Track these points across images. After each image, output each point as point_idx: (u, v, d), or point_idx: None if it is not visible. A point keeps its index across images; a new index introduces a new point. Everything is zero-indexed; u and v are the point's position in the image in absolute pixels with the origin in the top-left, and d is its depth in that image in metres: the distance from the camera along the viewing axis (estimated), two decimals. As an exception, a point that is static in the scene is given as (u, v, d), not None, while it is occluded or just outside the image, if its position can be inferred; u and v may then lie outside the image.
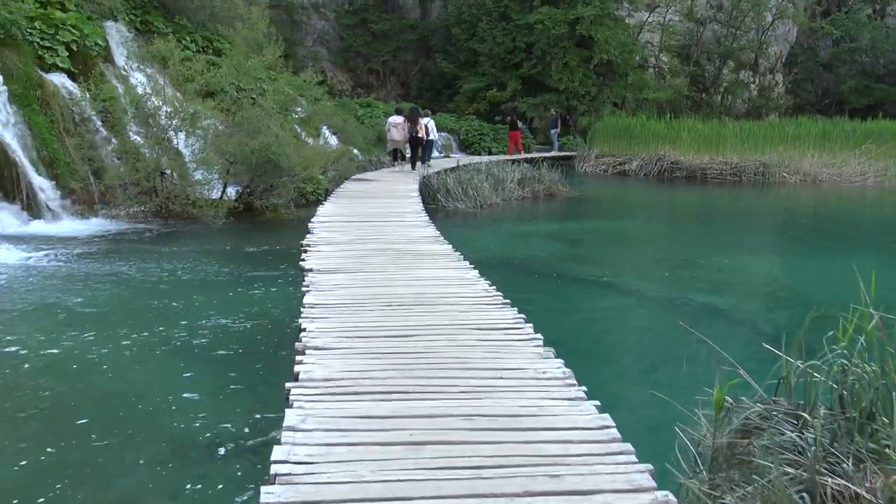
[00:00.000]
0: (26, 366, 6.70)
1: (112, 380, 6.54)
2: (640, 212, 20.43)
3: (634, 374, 7.24)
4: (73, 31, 15.56)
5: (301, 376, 4.56)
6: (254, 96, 16.38)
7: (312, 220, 10.89)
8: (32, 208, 13.13)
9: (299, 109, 21.12)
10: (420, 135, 18.78)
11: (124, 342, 7.39)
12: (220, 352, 7.23)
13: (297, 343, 5.19)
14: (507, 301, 6.41)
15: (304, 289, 6.82)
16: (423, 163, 19.52)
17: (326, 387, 4.40)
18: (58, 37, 15.22)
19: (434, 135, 20.93)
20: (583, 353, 7.20)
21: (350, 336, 5.39)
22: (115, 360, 6.94)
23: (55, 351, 7.07)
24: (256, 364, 6.90)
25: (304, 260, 8.08)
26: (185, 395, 6.14)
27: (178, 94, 15.65)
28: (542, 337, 5.41)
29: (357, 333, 5.46)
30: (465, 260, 8.26)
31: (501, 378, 4.60)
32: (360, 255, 8.41)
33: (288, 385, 4.42)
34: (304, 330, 5.49)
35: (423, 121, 19.33)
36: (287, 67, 20.73)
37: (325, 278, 7.20)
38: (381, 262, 8.04)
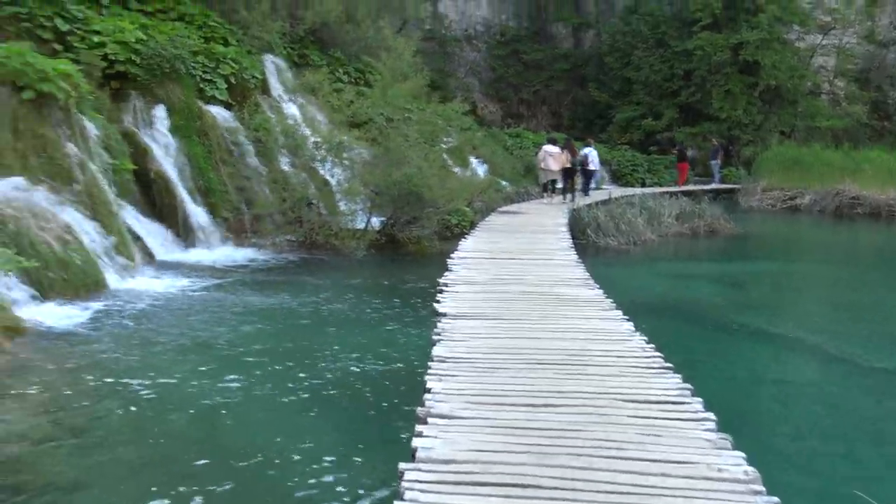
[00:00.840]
0: (153, 398, 6.50)
1: (237, 422, 6.19)
2: (815, 252, 18.39)
3: (828, 463, 5.92)
4: (233, 64, 16.11)
5: (419, 454, 3.85)
6: (399, 126, 16.22)
7: (452, 255, 10.30)
8: (188, 236, 13.49)
9: (448, 139, 20.88)
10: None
11: (254, 381, 7.06)
12: (348, 402, 6.72)
13: (419, 408, 4.50)
14: (669, 365, 5.42)
15: (434, 337, 6.16)
16: (584, 193, 19.31)
17: (447, 472, 3.66)
18: (218, 70, 15.79)
19: (596, 165, 20.27)
20: (761, 435, 6.03)
21: (481, 402, 4.63)
22: (243, 400, 6.60)
23: (185, 386, 6.83)
24: (383, 421, 6.29)
25: (438, 302, 7.45)
26: (305, 447, 5.64)
27: (328, 124, 15.75)
28: (714, 418, 4.40)
29: (489, 399, 4.69)
30: (617, 308, 7.31)
31: (663, 475, 3.67)
32: (500, 298, 7.67)
33: (402, 466, 3.72)
34: (430, 391, 4.80)
35: (584, 150, 19.29)
36: (435, 98, 20.58)
37: (459, 325, 6.51)
38: (523, 308, 7.25)
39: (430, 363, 5.42)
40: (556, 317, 6.92)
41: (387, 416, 6.39)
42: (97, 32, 14.01)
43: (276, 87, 17.77)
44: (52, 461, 5.34)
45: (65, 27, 13.79)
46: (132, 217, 12.53)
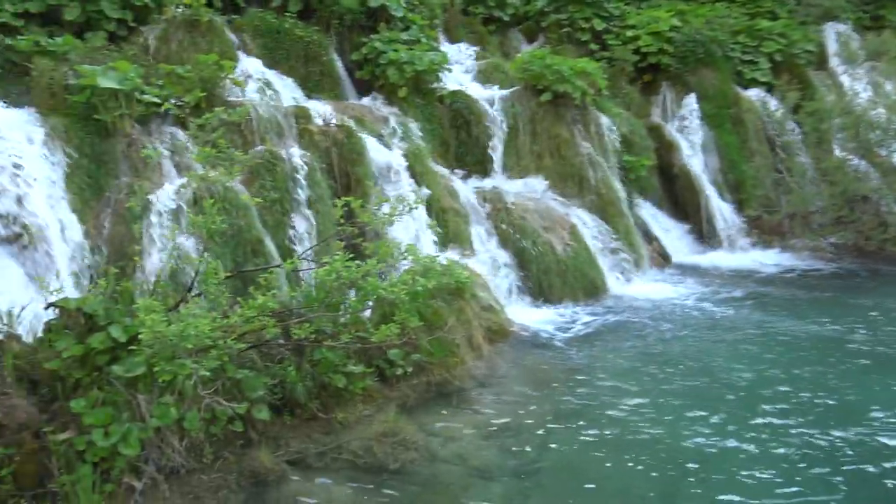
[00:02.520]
0: (624, 434, 5.66)
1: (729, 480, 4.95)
2: None
3: None
4: (780, 39, 14.06)
5: None
6: None
7: None
8: (709, 236, 12.25)
9: None
10: None
11: (765, 435, 5.60)
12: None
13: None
14: None
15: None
16: None
17: None
18: (760, 48, 13.98)
19: None
20: None
21: None
22: (743, 456, 5.30)
23: (668, 424, 5.81)
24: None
25: None
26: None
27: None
28: None
29: None
30: None
31: None
32: None
33: None
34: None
35: None
36: None
37: None
38: None
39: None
40: None
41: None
42: (632, 27, 13.75)
43: (835, 59, 14.98)
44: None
45: (601, 26, 13.91)
46: (649, 216, 11.88)
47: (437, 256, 8.21)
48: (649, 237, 11.38)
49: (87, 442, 4.44)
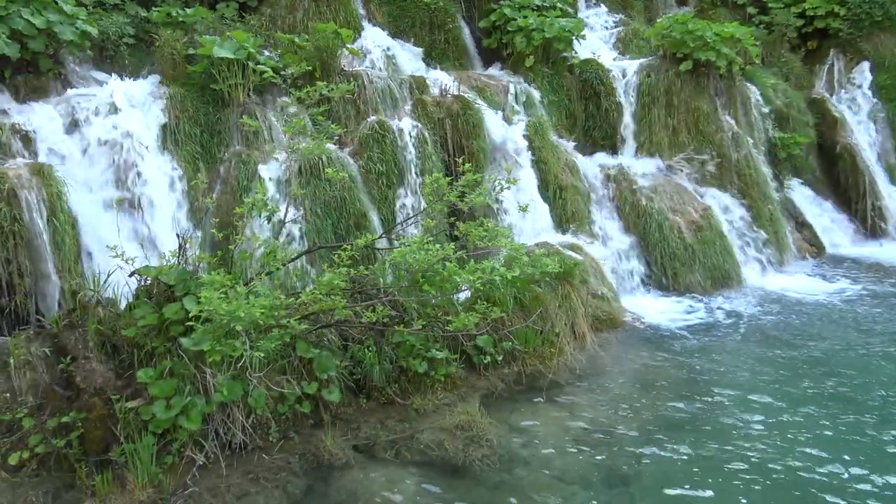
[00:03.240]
0: (737, 452, 5.06)
1: None
2: None
3: None
4: (982, -2, 12.06)
5: None
6: None
7: None
8: (873, 226, 10.82)
9: None
10: None
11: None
12: None
13: None
14: None
15: None
16: None
17: None
18: (956, 9, 12.06)
19: None
20: None
21: None
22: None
23: (779, 434, 5.15)
24: None
25: None
26: None
27: None
28: None
29: None
30: None
31: None
32: None
33: None
34: None
35: None
36: None
37: None
38: None
39: None
40: None
41: None
42: (798, -14, 12.31)
43: None
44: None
45: (761, -13, 12.57)
46: (803, 200, 10.65)
47: (540, 243, 7.80)
48: (800, 224, 10.21)
49: (152, 413, 4.46)
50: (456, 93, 8.65)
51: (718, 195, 9.24)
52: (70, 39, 7.18)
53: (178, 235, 5.57)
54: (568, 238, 8.29)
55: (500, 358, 6.11)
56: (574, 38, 10.03)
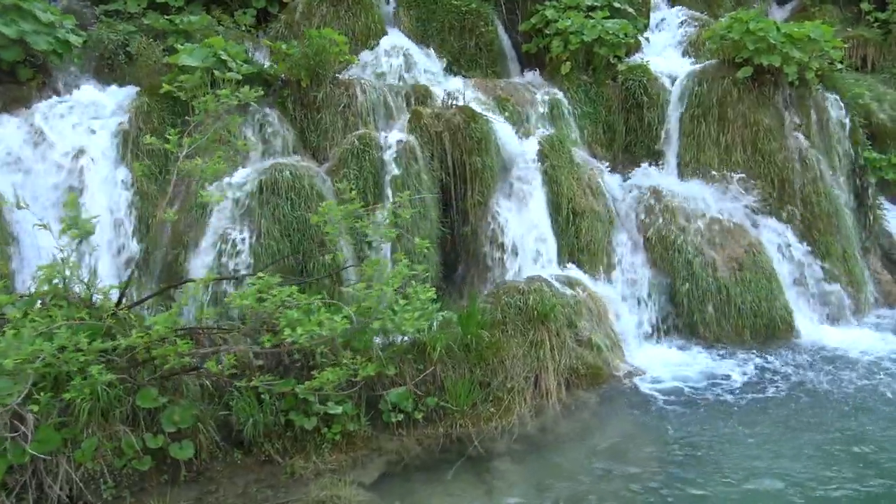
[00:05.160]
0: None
1: None
2: None
3: None
4: None
5: None
6: None
7: None
8: None
9: None
10: None
11: None
12: None
13: None
14: None
15: None
16: None
17: None
18: None
19: None
20: None
21: None
22: None
23: None
24: None
25: None
26: None
27: None
28: None
29: None
30: None
31: None
32: None
33: None
34: None
35: None
36: None
37: None
38: None
39: None
40: None
41: None
42: (925, -24, 10.29)
43: None
44: None
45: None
46: (904, 234, 8.77)
47: (530, 277, 6.82)
48: (893, 264, 8.38)
49: (-49, 461, 4.03)
50: (462, 103, 7.77)
51: (776, 226, 7.72)
52: (45, 49, 7.06)
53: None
54: (570, 271, 7.18)
55: (419, 416, 5.20)
56: (626, 40, 8.80)
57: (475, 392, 5.40)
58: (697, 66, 8.49)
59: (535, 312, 6.11)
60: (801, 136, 7.98)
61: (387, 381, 5.27)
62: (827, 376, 6.44)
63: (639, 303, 7.26)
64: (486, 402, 5.47)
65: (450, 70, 9.10)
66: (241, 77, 7.09)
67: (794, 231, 7.73)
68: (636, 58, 9.38)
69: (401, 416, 5.14)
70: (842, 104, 8.23)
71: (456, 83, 8.48)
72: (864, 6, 10.72)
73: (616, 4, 9.43)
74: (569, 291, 6.77)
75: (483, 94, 8.38)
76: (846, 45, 10.19)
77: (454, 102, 7.76)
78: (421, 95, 7.90)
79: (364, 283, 4.75)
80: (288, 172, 6.74)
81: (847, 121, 8.17)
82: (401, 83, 8.16)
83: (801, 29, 7.96)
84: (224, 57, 7.09)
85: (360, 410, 5.06)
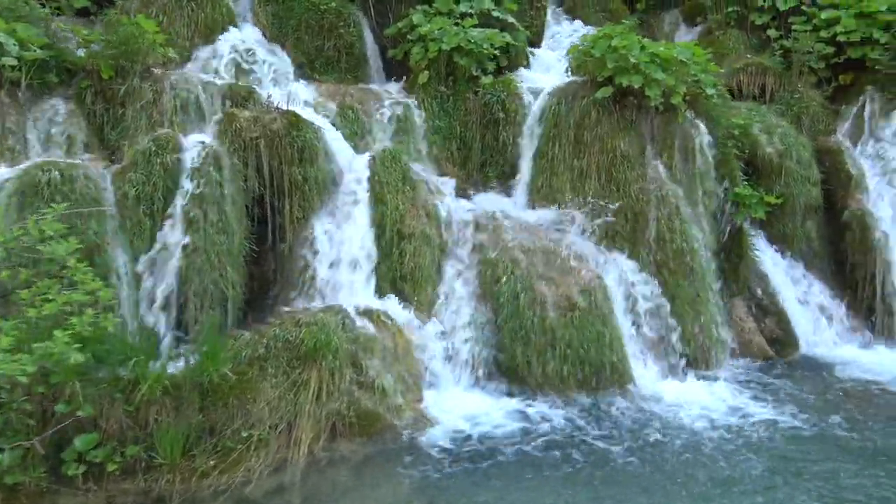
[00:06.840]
0: None
1: None
2: None
3: None
4: None
5: None
6: None
7: None
8: (881, 321, 8.05)
9: None
10: None
11: None
12: None
13: None
14: None
15: None
16: None
17: None
18: None
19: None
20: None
21: None
22: None
23: None
24: None
25: None
26: None
27: None
28: None
29: None
30: None
31: None
32: None
33: None
34: None
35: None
36: None
37: None
38: None
39: None
40: None
41: None
42: (832, 5, 9.66)
43: None
44: None
45: (785, 6, 10.04)
46: (782, 277, 8.08)
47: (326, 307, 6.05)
48: (763, 310, 7.68)
49: None
50: (286, 108, 7.01)
51: (624, 263, 6.99)
52: None
53: None
54: (386, 302, 6.42)
55: (113, 468, 4.39)
56: (484, 51, 8.06)
57: (192, 441, 4.59)
58: (560, 84, 7.77)
59: (305, 348, 5.33)
60: (661, 167, 7.27)
61: (88, 425, 4.46)
62: (651, 437, 5.69)
63: (457, 341, 6.48)
64: (209, 454, 4.66)
65: (303, 72, 8.35)
66: (16, 62, 6.29)
67: (644, 270, 7.00)
68: (521, 73, 8.71)
69: (83, 468, 4.31)
70: (711, 135, 7.53)
71: (298, 87, 7.75)
72: (772, 33, 10.09)
73: (496, 14, 8.75)
74: (368, 325, 6.00)
75: (326, 100, 7.65)
76: (745, 73, 9.59)
77: (277, 106, 7.00)
78: (241, 97, 7.13)
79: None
80: (57, 173, 5.94)
81: (711, 154, 7.46)
82: (221, 82, 7.37)
83: (668, 49, 7.28)
84: (1, 39, 6.29)
85: (33, 458, 4.23)
